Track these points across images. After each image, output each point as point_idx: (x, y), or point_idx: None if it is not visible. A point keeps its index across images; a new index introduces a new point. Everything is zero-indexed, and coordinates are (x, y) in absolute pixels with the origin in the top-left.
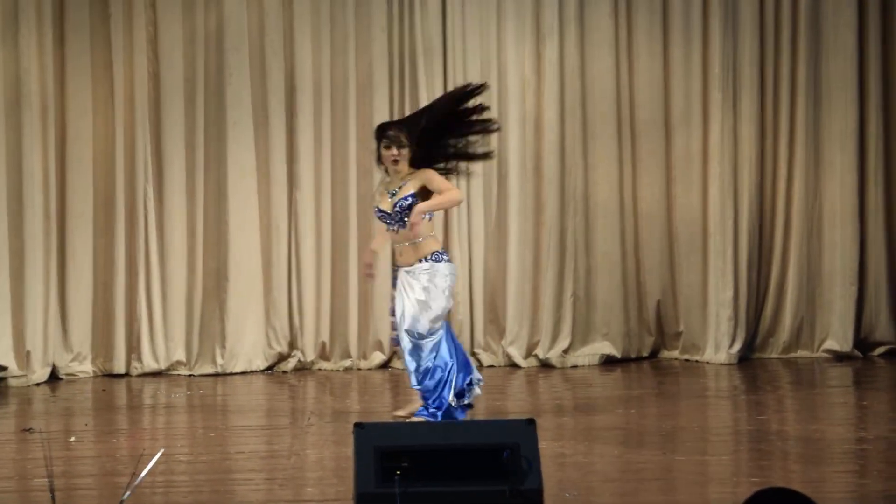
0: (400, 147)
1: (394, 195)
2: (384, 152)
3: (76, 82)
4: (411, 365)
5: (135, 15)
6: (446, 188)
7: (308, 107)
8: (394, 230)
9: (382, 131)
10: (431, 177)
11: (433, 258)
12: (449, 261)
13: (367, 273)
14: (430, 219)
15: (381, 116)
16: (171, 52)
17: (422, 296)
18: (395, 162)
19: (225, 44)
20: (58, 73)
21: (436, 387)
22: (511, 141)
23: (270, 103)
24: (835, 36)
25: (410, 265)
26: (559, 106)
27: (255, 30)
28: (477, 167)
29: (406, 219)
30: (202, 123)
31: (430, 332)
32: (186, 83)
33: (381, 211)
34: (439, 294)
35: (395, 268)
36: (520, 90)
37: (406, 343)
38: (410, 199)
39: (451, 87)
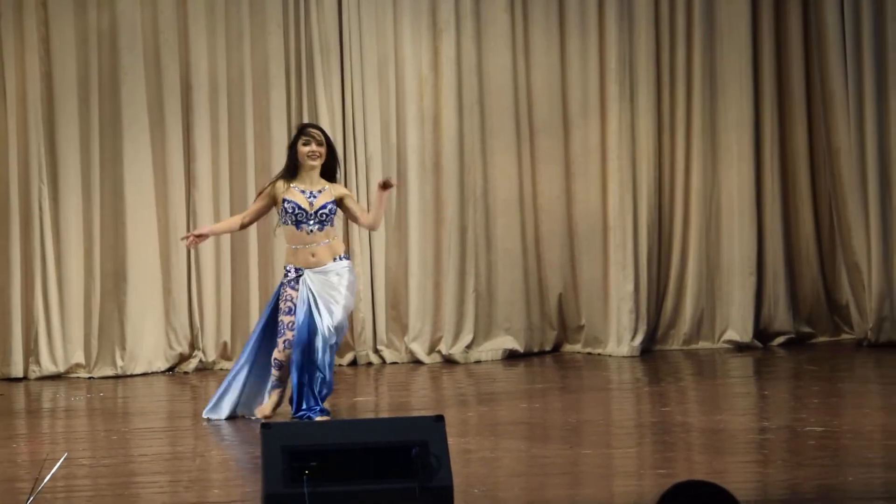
0: (319, 145)
1: (312, 197)
2: (302, 148)
3: None
4: (329, 361)
5: (26, 14)
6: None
7: (204, 105)
8: (308, 230)
9: (304, 127)
10: (351, 197)
11: (346, 256)
12: None
13: (193, 240)
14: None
15: (279, 113)
16: (64, 52)
17: (347, 293)
18: (314, 158)
19: (119, 42)
20: None
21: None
22: (409, 138)
23: (166, 102)
24: (729, 27)
25: (324, 265)
26: (457, 102)
27: (148, 28)
28: (375, 164)
29: (326, 224)
30: (97, 123)
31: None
32: (80, 83)
33: (299, 208)
34: (354, 292)
35: (297, 270)
36: (417, 87)
37: (328, 343)
38: (333, 206)
39: (348, 84)
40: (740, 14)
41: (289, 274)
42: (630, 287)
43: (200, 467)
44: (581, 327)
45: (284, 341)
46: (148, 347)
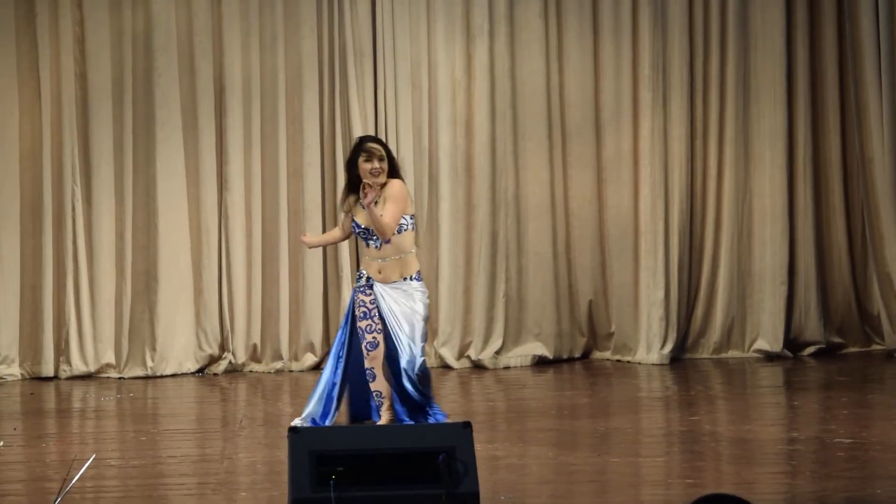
0: (381, 160)
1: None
2: (364, 165)
3: (1, 83)
4: (411, 388)
5: (61, 15)
6: (389, 221)
7: (237, 107)
8: (375, 246)
9: (362, 141)
10: (391, 201)
11: (417, 277)
12: None
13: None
14: (414, 229)
15: (311, 116)
16: (99, 53)
17: (424, 312)
18: (376, 174)
19: (153, 44)
20: None
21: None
22: (442, 142)
23: (199, 104)
24: (763, 35)
25: (389, 281)
26: (490, 107)
27: (183, 30)
28: (407, 167)
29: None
30: (130, 124)
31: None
32: (114, 84)
33: (360, 227)
34: (427, 317)
35: (368, 278)
36: (450, 91)
37: (418, 362)
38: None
39: (381, 87)
40: (774, 22)
41: (361, 279)
42: (660, 294)
43: (228, 470)
44: (611, 334)
45: (366, 345)
46: (178, 348)
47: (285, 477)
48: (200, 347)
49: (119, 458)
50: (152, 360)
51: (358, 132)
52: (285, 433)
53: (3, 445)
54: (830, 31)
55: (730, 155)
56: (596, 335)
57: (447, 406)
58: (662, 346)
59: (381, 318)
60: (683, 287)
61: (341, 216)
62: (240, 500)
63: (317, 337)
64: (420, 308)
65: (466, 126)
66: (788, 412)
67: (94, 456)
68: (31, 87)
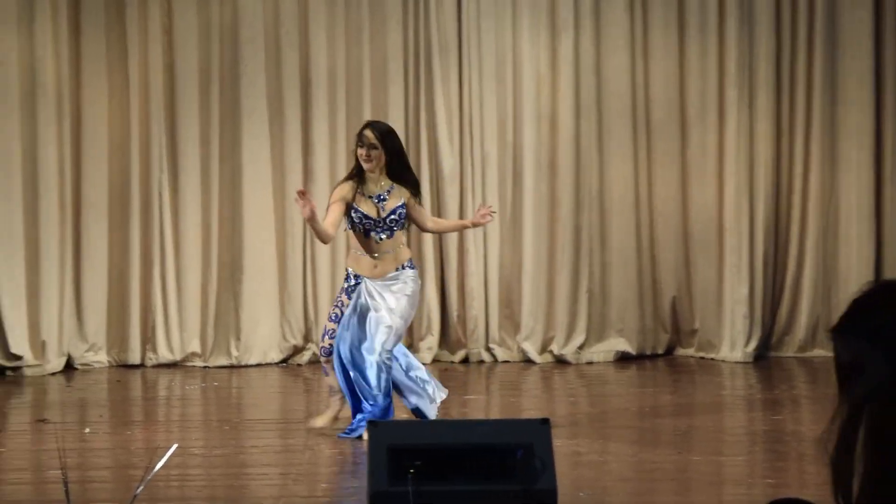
0: (372, 148)
1: (381, 200)
2: (358, 150)
3: (91, 72)
4: (375, 381)
5: (150, 5)
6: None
7: (323, 98)
8: (377, 238)
9: (362, 127)
10: (417, 202)
11: (410, 265)
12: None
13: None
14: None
15: (396, 109)
16: (186, 43)
17: (407, 305)
18: (367, 160)
19: (240, 35)
20: (73, 62)
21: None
22: (526, 137)
23: (285, 95)
24: (851, 33)
25: (386, 274)
26: (574, 102)
27: (270, 21)
28: (491, 162)
29: (396, 229)
30: (217, 114)
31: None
32: (201, 74)
33: (366, 217)
34: (415, 304)
35: (357, 278)
36: (535, 86)
37: (377, 360)
38: (403, 210)
39: (465, 82)
40: (862, 20)
41: (349, 280)
42: (745, 291)
43: (310, 461)
44: (694, 331)
45: (322, 349)
46: (262, 338)
47: (365, 468)
48: (284, 338)
49: (203, 446)
50: (237, 350)
51: (442, 126)
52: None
53: (88, 432)
54: None
55: (816, 153)
56: (679, 332)
57: (530, 401)
58: (746, 344)
59: (358, 318)
60: (768, 285)
61: (326, 213)
62: (321, 491)
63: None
64: (403, 305)
65: (551, 121)
66: None
67: (175, 445)
68: (119, 77)
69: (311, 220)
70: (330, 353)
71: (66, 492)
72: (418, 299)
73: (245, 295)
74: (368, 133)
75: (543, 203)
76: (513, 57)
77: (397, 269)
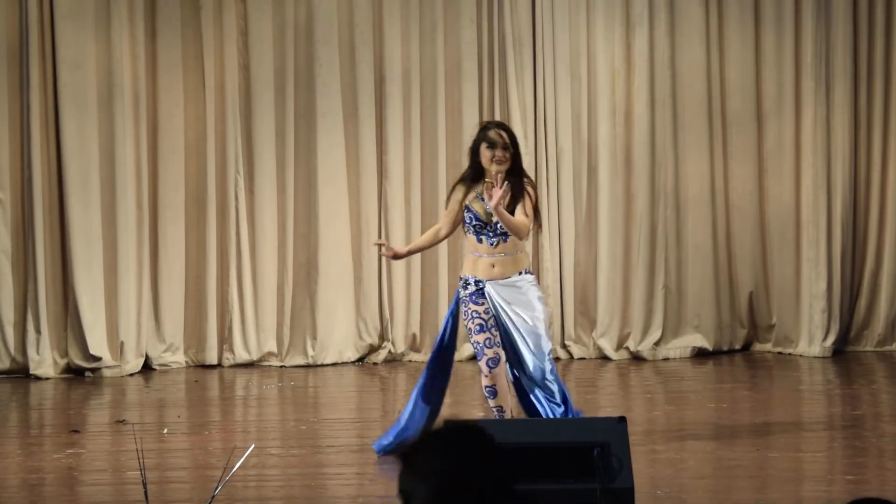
0: (504, 149)
1: None
2: (485, 152)
3: (167, 74)
4: (554, 385)
5: (225, 7)
6: (525, 220)
7: (397, 98)
8: (490, 242)
9: (487, 127)
10: (526, 198)
11: (529, 271)
12: None
13: (388, 252)
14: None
15: (471, 107)
16: (262, 44)
17: (539, 307)
18: (500, 163)
19: (315, 35)
20: (149, 64)
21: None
22: (601, 132)
23: (360, 94)
24: None
25: (507, 277)
26: (649, 97)
27: (344, 21)
28: (566, 158)
29: (510, 235)
30: (292, 115)
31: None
32: (276, 75)
33: (477, 219)
34: (544, 308)
35: (477, 282)
36: (609, 81)
37: (544, 366)
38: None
39: (540, 77)
40: None
41: (468, 286)
42: (823, 286)
43: (385, 460)
44: (772, 326)
45: (487, 361)
46: (338, 337)
47: None
48: (360, 337)
49: (280, 446)
50: (313, 349)
51: (517, 123)
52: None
53: (166, 433)
54: None
55: (894, 146)
56: (757, 327)
57: (606, 398)
58: (825, 339)
59: (500, 328)
60: (846, 279)
61: (450, 206)
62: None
63: None
64: (538, 308)
65: (626, 116)
66: None
67: (252, 445)
68: (195, 78)
69: (402, 256)
70: (497, 363)
71: (146, 493)
72: (546, 309)
73: (321, 294)
74: (501, 134)
75: (619, 199)
76: (587, 52)
77: (518, 274)
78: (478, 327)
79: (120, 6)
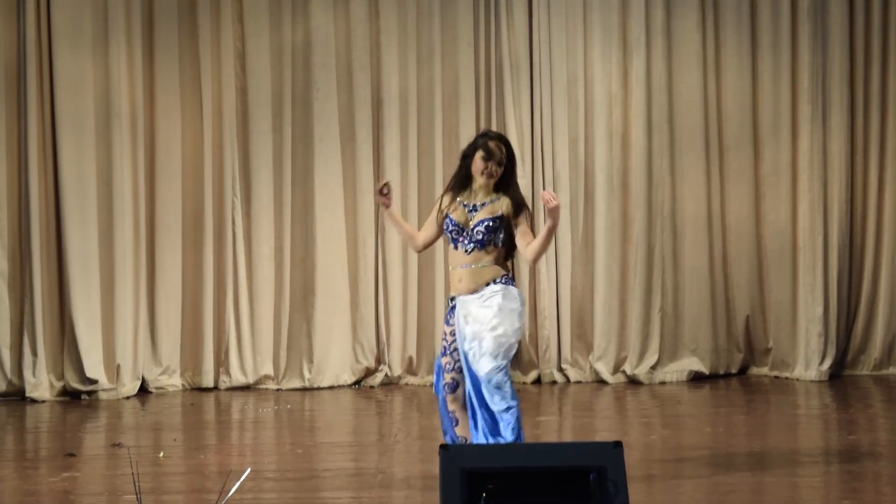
0: (499, 165)
1: (475, 210)
2: (479, 162)
3: (165, 97)
4: (500, 404)
5: (222, 30)
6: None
7: (394, 120)
8: (464, 249)
9: (484, 136)
10: (525, 216)
11: (503, 280)
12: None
13: (385, 199)
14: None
15: (468, 130)
16: (259, 67)
17: (495, 321)
18: (491, 176)
19: (312, 59)
20: (147, 87)
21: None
22: (598, 156)
23: (357, 117)
24: None
25: (472, 291)
26: (646, 120)
27: (341, 45)
28: (563, 181)
29: (488, 245)
30: (289, 138)
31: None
32: (274, 98)
33: (454, 224)
34: (514, 317)
35: (451, 299)
36: (606, 105)
37: (490, 380)
38: (494, 224)
39: (537, 101)
40: None
41: (450, 304)
42: (819, 309)
43: (382, 484)
44: (768, 350)
45: (445, 386)
46: (335, 361)
47: (439, 492)
48: (357, 360)
49: (276, 470)
50: (310, 373)
51: (514, 146)
52: (438, 449)
53: (162, 456)
54: None
55: (891, 171)
56: (753, 351)
57: (602, 422)
58: (821, 363)
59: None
60: (843, 303)
61: (435, 214)
62: None
63: None
64: (488, 317)
65: (622, 140)
66: None
67: (249, 469)
68: (193, 102)
69: (389, 213)
70: (455, 389)
71: None
72: (519, 313)
73: (317, 318)
74: (501, 148)
75: (615, 222)
76: (584, 76)
77: (487, 285)
78: (442, 349)
79: (117, 30)
